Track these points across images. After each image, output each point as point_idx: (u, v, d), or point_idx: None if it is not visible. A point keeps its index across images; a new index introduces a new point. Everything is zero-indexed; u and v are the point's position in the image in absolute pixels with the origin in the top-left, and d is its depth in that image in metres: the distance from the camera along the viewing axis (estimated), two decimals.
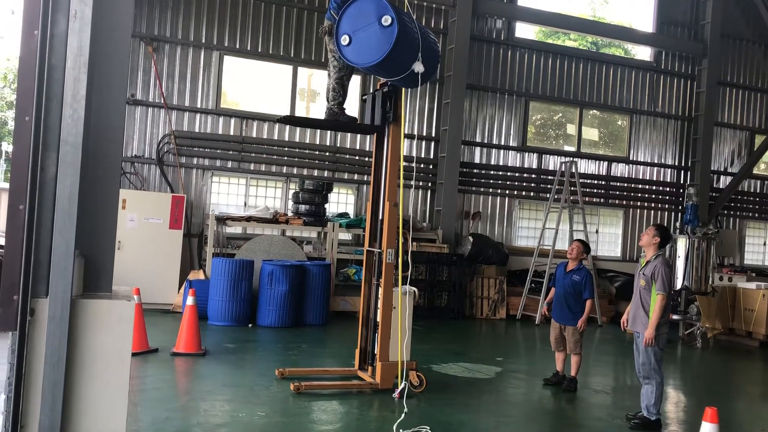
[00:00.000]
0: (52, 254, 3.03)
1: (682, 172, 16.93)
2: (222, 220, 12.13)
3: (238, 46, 13.22)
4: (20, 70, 3.05)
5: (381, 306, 7.09)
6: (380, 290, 7.10)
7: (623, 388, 8.37)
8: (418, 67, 6.09)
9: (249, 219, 12.29)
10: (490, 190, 15.19)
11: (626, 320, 6.80)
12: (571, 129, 16.36)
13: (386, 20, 5.92)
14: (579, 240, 8.48)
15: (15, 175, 2.98)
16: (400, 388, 6.58)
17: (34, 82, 2.99)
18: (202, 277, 11.46)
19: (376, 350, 7.11)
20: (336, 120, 7.29)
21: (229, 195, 13.39)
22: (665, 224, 16.30)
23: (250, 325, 10.61)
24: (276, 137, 13.46)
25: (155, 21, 12.66)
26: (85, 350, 3.15)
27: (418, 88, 6.32)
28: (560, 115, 16.39)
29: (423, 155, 14.62)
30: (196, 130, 12.93)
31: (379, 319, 7.09)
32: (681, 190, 16.75)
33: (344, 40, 6.26)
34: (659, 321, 6.38)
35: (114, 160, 3.58)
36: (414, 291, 7.58)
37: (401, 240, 6.99)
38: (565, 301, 7.86)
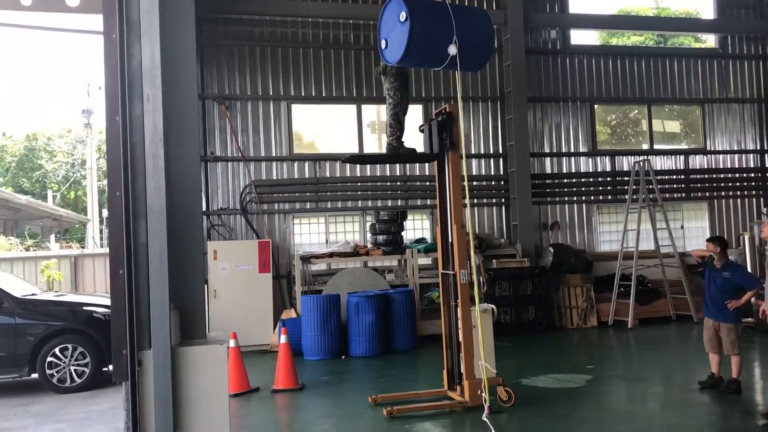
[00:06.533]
0: (151, 310, 3.46)
1: (766, 155, 16.29)
2: (306, 259, 12.67)
3: (303, 94, 13.87)
4: (108, 151, 3.53)
5: (461, 326, 7.30)
6: (458, 311, 7.33)
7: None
8: (452, 50, 6.49)
9: (331, 255, 12.77)
10: (566, 198, 15.13)
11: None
12: (645, 126, 16.09)
13: (402, 16, 6.47)
14: (710, 239, 7.96)
15: (113, 244, 3.45)
16: (486, 405, 6.67)
17: (120, 161, 3.46)
18: (293, 315, 11.98)
19: (462, 369, 7.31)
20: (396, 153, 7.64)
21: (310, 234, 13.96)
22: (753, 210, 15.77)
23: (342, 357, 11.01)
24: (348, 174, 13.97)
25: (225, 81, 13.48)
26: (188, 392, 3.55)
27: (467, 72, 6.66)
28: (636, 111, 16.10)
29: (492, 172, 14.72)
30: (274, 177, 13.62)
31: (461, 339, 7.30)
32: (766, 174, 16.10)
33: (383, 44, 6.87)
34: None
35: (195, 220, 4.01)
36: (492, 308, 7.76)
37: (474, 260, 7.19)
38: (720, 300, 7.60)
